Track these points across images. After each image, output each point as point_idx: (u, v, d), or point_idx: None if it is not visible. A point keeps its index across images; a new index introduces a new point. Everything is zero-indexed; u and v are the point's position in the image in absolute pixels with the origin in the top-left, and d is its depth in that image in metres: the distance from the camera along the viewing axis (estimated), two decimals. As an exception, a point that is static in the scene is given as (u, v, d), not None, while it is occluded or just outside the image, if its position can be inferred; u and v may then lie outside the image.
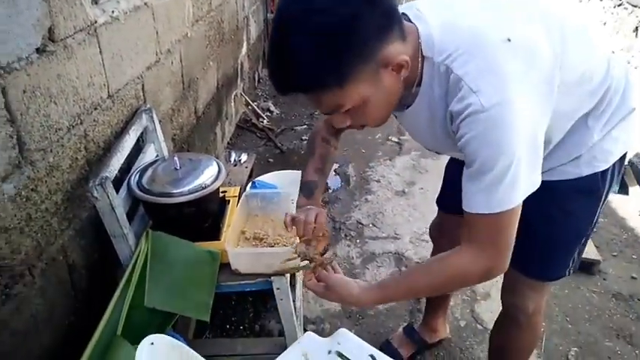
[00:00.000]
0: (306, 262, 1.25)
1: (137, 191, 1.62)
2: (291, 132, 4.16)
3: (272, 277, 1.61)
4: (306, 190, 1.33)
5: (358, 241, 2.81)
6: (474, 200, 1.02)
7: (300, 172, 2.69)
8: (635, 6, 4.31)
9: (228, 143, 3.81)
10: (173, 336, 1.27)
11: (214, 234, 1.73)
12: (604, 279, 2.50)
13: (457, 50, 0.98)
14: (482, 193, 0.99)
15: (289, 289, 1.66)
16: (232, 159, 2.92)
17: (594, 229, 1.37)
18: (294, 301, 1.80)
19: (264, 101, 4.68)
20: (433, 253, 1.95)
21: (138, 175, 1.68)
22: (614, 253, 2.70)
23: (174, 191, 1.60)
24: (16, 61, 1.22)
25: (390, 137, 3.99)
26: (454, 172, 1.64)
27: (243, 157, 2.94)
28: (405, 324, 2.16)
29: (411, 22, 1.04)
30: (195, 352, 1.13)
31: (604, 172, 1.23)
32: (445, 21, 1.03)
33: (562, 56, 1.03)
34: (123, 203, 1.58)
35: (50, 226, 1.41)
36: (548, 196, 1.06)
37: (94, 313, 1.40)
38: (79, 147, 1.53)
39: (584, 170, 1.22)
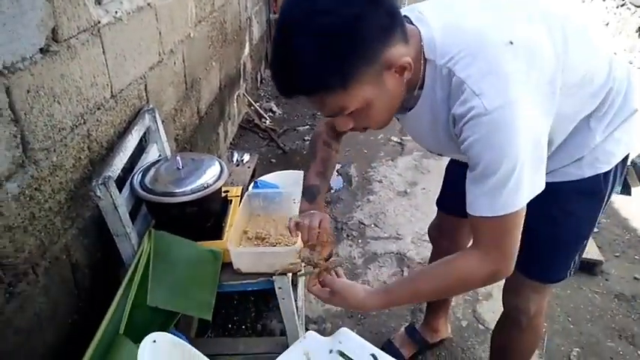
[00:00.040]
0: (310, 267, 1.24)
1: (140, 191, 1.63)
2: (293, 132, 4.16)
3: (274, 277, 1.61)
4: (309, 194, 1.32)
5: (360, 241, 2.81)
6: (478, 203, 1.01)
7: (302, 172, 2.70)
8: (638, 6, 4.31)
9: (230, 143, 3.82)
10: (175, 335, 1.28)
11: (216, 233, 1.73)
12: (606, 279, 2.50)
13: (459, 53, 0.98)
14: (486, 196, 0.99)
15: (291, 288, 1.67)
16: (235, 159, 2.93)
17: (595, 230, 1.37)
18: (295, 300, 1.80)
19: (267, 102, 4.69)
20: (433, 254, 1.96)
21: (140, 175, 1.69)
22: (617, 254, 2.70)
23: (177, 191, 1.61)
24: (20, 61, 1.23)
25: (391, 138, 3.99)
26: (454, 173, 1.65)
27: (246, 157, 2.95)
28: (407, 324, 2.16)
29: (413, 24, 1.04)
30: (197, 351, 1.13)
31: (606, 173, 1.23)
32: (447, 23, 1.03)
33: (564, 57, 1.03)
34: (126, 203, 1.59)
35: (53, 225, 1.42)
36: (550, 197, 1.05)
37: (97, 311, 1.41)
38: (82, 147, 1.54)
39: (587, 172, 1.22)
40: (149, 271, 1.48)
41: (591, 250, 2.52)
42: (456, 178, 1.33)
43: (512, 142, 0.94)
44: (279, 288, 1.64)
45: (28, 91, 1.26)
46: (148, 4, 2.02)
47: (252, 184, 2.46)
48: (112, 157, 1.57)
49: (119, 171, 1.57)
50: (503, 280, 1.48)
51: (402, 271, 2.54)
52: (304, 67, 0.91)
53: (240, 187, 2.01)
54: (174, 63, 2.41)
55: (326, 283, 1.20)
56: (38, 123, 1.31)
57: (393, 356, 1.24)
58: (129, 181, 1.69)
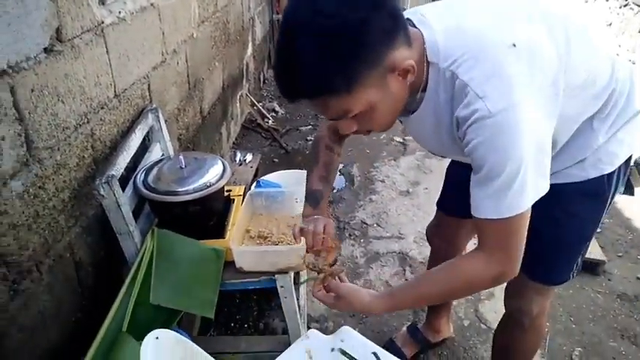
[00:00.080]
0: (314, 273, 1.24)
1: (143, 189, 1.64)
2: (296, 132, 4.17)
3: (276, 275, 1.62)
4: (312, 199, 1.32)
5: (362, 240, 2.82)
6: (483, 206, 1.02)
7: (304, 171, 2.70)
8: (641, 6, 4.30)
9: (233, 143, 3.83)
10: (178, 332, 1.29)
11: (219, 232, 1.74)
12: (609, 279, 2.50)
13: (462, 56, 0.98)
14: (490, 199, 0.99)
15: (293, 287, 1.68)
16: (237, 159, 2.93)
17: (598, 230, 1.37)
18: (297, 299, 1.81)
19: (270, 102, 4.70)
20: (431, 256, 1.96)
21: (144, 174, 1.70)
22: (620, 254, 2.69)
23: (180, 190, 1.62)
24: (24, 61, 1.24)
25: (394, 138, 4.00)
26: (456, 174, 1.65)
27: (249, 157, 2.95)
28: (409, 323, 2.16)
29: (416, 27, 1.04)
30: (199, 348, 1.14)
31: (610, 174, 1.23)
32: (449, 26, 1.03)
33: (566, 58, 1.03)
34: (129, 201, 1.60)
35: (57, 223, 1.43)
36: (553, 199, 1.05)
37: (100, 309, 1.42)
38: (85, 145, 1.55)
39: (590, 173, 1.22)
40: (152, 270, 1.49)
41: (594, 250, 2.52)
42: (457, 179, 1.33)
43: (516, 144, 0.94)
44: (281, 286, 1.64)
45: (33, 91, 1.28)
46: (152, 5, 2.03)
47: (254, 184, 2.46)
48: (115, 156, 1.58)
49: (122, 170, 1.59)
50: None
51: (404, 270, 2.55)
52: (308, 70, 0.91)
53: (243, 187, 2.02)
54: (178, 63, 2.42)
55: (331, 288, 1.20)
56: (42, 122, 1.32)
57: (394, 355, 1.25)
58: (132, 180, 1.70)
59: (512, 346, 1.63)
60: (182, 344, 1.10)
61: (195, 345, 1.14)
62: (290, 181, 2.58)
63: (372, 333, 2.17)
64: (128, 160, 1.65)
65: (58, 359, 1.43)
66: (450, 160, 1.67)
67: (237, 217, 1.75)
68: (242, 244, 1.69)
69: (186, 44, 2.54)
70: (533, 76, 0.97)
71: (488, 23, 1.03)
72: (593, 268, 2.50)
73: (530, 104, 0.95)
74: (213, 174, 1.70)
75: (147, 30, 2.01)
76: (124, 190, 1.56)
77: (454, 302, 2.19)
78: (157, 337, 0.99)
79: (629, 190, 1.35)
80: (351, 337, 1.28)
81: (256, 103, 4.34)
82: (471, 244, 2.69)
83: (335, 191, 3.27)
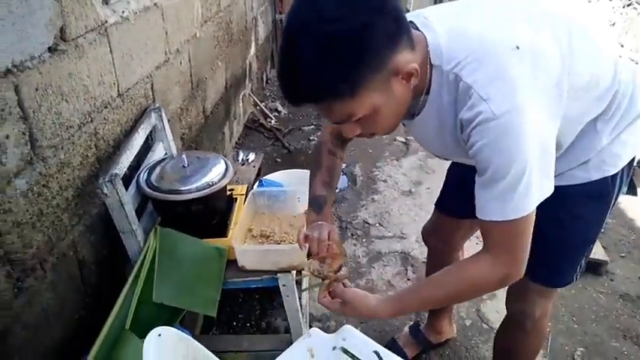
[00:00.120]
0: (320, 280, 1.23)
1: (146, 188, 1.65)
2: (298, 132, 4.18)
3: (278, 274, 1.63)
4: (316, 205, 1.31)
5: (364, 240, 2.82)
6: (489, 208, 1.02)
7: (307, 171, 2.70)
8: (645, 6, 4.29)
9: (236, 143, 3.83)
10: (180, 330, 1.29)
11: (221, 231, 1.75)
12: (611, 280, 2.50)
13: (466, 58, 0.99)
14: (496, 201, 1.00)
15: (295, 286, 1.68)
16: (240, 158, 2.94)
17: (601, 230, 1.37)
18: (300, 298, 1.81)
19: (272, 101, 4.71)
20: (429, 258, 1.94)
21: (147, 173, 1.71)
22: (622, 254, 2.69)
23: (182, 188, 1.63)
24: (28, 60, 1.25)
25: (397, 138, 4.00)
26: (456, 174, 1.65)
27: (251, 156, 2.96)
28: (411, 323, 2.16)
29: (419, 30, 1.04)
30: (201, 346, 1.14)
31: (613, 176, 1.23)
32: (452, 29, 1.03)
33: (570, 59, 1.03)
34: (132, 200, 1.60)
35: (61, 221, 1.44)
36: (557, 201, 1.05)
37: (103, 307, 1.43)
38: (89, 144, 1.56)
39: (594, 175, 1.22)
40: (155, 268, 1.50)
41: (596, 251, 2.52)
42: (457, 179, 1.33)
43: (521, 146, 0.94)
44: (284, 285, 1.65)
45: (37, 90, 1.28)
46: (155, 4, 2.04)
47: (257, 183, 2.47)
48: (118, 155, 1.59)
49: (125, 169, 1.59)
50: None
51: (406, 270, 2.55)
52: (312, 75, 0.91)
53: (245, 186, 2.03)
54: (181, 62, 2.43)
55: (337, 293, 1.20)
56: (46, 121, 1.33)
57: (396, 355, 1.25)
58: (135, 179, 1.71)
59: (514, 349, 1.62)
60: (184, 342, 1.10)
61: (197, 343, 1.14)
62: (292, 181, 2.60)
63: (373, 332, 2.17)
64: (131, 159, 1.66)
65: (62, 357, 1.43)
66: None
67: (240, 216, 1.75)
68: (244, 243, 1.70)
69: (189, 44, 2.55)
70: (537, 78, 0.98)
71: (491, 26, 1.03)
72: (595, 268, 2.49)
73: (534, 106, 0.95)
74: (215, 173, 1.71)
75: (150, 30, 2.02)
76: (127, 188, 1.56)
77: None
78: (160, 335, 1.00)
79: (632, 191, 1.34)
80: (352, 336, 1.29)
81: (259, 102, 4.35)
82: (472, 245, 2.70)
83: (337, 191, 3.27)
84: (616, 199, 1.28)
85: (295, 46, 0.91)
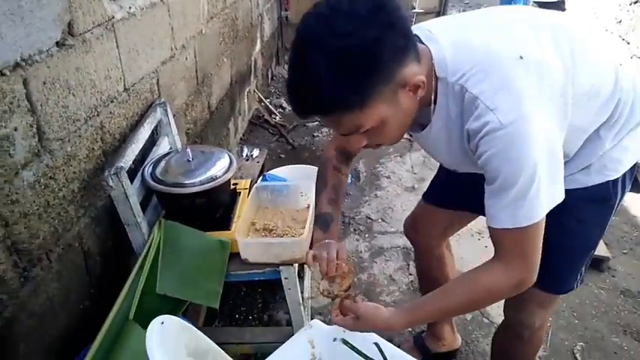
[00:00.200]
0: (330, 299, 1.22)
1: (151, 181, 1.67)
2: (302, 128, 4.19)
3: (280, 267, 1.65)
4: (322, 223, 1.31)
5: (367, 235, 2.84)
6: (500, 216, 1.03)
7: (311, 166, 2.71)
8: (651, 4, 4.28)
9: (240, 139, 3.85)
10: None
11: (225, 224, 1.77)
12: (613, 276, 2.50)
13: (471, 70, 1.00)
14: (507, 209, 1.01)
15: (297, 279, 1.70)
16: (244, 154, 2.96)
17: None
18: (302, 291, 1.83)
19: (277, 98, 4.73)
20: (416, 256, 1.91)
21: (152, 166, 1.73)
22: (625, 251, 2.70)
23: (187, 182, 1.65)
24: (37, 54, 1.27)
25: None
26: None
27: (255, 152, 2.97)
28: (416, 333, 2.12)
29: (423, 43, 1.06)
30: (203, 335, 1.16)
31: (615, 181, 1.23)
32: (456, 41, 1.05)
33: (572, 70, 1.05)
34: (137, 193, 1.63)
35: (67, 213, 1.46)
36: (559, 205, 1.06)
37: (108, 298, 1.46)
38: (95, 138, 1.59)
39: (595, 179, 1.23)
40: (159, 260, 1.52)
41: (599, 247, 2.50)
42: (449, 170, 1.34)
43: (529, 154, 0.96)
44: (286, 278, 1.67)
45: (44, 83, 1.31)
46: (161, 0, 2.06)
47: (260, 178, 2.49)
48: (124, 149, 1.61)
49: (131, 162, 1.62)
50: None
51: (408, 265, 2.56)
52: (324, 88, 0.92)
53: (249, 180, 2.05)
54: (186, 58, 2.45)
55: (349, 309, 1.19)
56: (53, 114, 1.36)
57: None
58: (140, 172, 1.73)
59: (512, 354, 1.62)
60: (187, 331, 1.13)
61: (199, 332, 1.16)
62: (296, 176, 2.62)
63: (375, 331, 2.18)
64: (137, 152, 1.68)
65: (66, 346, 1.46)
66: None
67: (243, 210, 1.77)
68: (247, 237, 1.72)
69: (195, 40, 2.57)
70: (542, 88, 0.99)
71: (495, 37, 1.05)
72: (597, 264, 2.50)
73: (540, 114, 0.97)
74: (219, 167, 1.73)
75: (156, 25, 2.04)
76: (132, 181, 1.59)
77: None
78: (163, 323, 1.02)
79: (636, 188, 1.34)
80: (353, 328, 1.30)
81: (264, 99, 4.36)
82: (473, 241, 2.70)
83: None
84: (618, 204, 1.29)
85: (306, 60, 0.92)
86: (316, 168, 1.46)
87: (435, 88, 1.06)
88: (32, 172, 1.29)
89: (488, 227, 1.07)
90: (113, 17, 1.65)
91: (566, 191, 1.17)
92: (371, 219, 2.98)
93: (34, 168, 1.30)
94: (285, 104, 4.56)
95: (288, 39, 5.42)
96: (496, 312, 2.22)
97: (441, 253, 1.79)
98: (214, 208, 1.80)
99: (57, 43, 1.36)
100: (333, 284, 1.21)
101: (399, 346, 2.02)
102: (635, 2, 4.56)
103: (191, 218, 1.69)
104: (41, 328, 1.37)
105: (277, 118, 4.29)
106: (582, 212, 1.26)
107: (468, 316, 2.24)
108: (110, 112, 1.67)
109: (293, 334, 1.47)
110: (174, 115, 2.07)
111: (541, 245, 1.05)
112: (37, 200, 1.32)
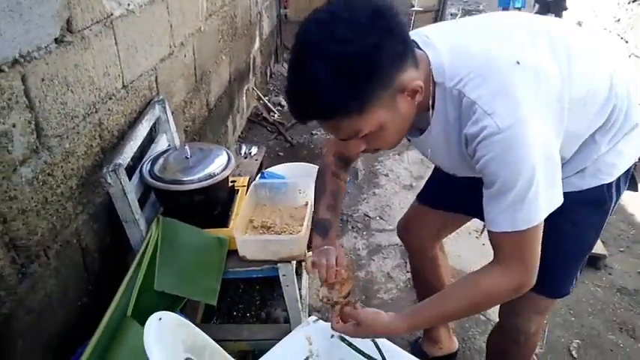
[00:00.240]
0: (330, 306, 1.23)
1: (149, 178, 1.67)
2: (301, 126, 4.19)
3: (278, 264, 1.65)
4: (321, 229, 1.31)
5: (365, 233, 2.85)
6: (499, 220, 1.04)
7: (309, 164, 2.71)
8: (650, 3, 4.28)
9: (239, 136, 3.86)
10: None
11: (223, 221, 1.78)
12: (609, 274, 2.52)
13: (468, 75, 1.01)
14: (506, 212, 1.02)
15: (295, 276, 1.71)
16: (243, 152, 2.96)
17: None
18: (300, 289, 1.84)
19: (275, 96, 4.73)
20: (410, 258, 1.90)
21: (150, 163, 1.74)
22: (622, 249, 2.71)
23: (185, 179, 1.65)
24: (35, 50, 1.27)
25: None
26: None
27: (254, 150, 2.98)
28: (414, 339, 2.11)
29: (420, 48, 1.06)
30: (201, 331, 1.16)
31: (609, 185, 1.24)
32: (454, 46, 1.05)
33: (569, 81, 1.06)
34: (135, 190, 1.63)
35: (65, 209, 1.46)
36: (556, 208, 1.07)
37: (106, 295, 1.46)
38: (93, 134, 1.59)
39: (590, 182, 1.23)
40: (157, 257, 1.53)
41: (595, 245, 2.53)
42: (445, 172, 1.34)
43: (527, 157, 0.96)
44: (283, 275, 1.68)
45: (43, 80, 1.31)
46: (159, -3, 2.06)
47: (259, 175, 2.49)
48: (122, 146, 1.61)
49: (129, 159, 1.62)
50: None
51: (405, 262, 2.57)
52: (324, 94, 0.92)
53: (247, 177, 2.05)
54: (185, 55, 2.45)
55: (349, 316, 1.19)
56: (52, 110, 1.36)
57: None
58: (138, 169, 1.74)
59: (509, 356, 1.62)
60: (185, 327, 1.13)
61: (197, 328, 1.16)
62: (294, 173, 2.62)
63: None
64: (135, 149, 1.68)
65: (64, 342, 1.46)
66: None
67: (241, 207, 1.78)
68: (245, 234, 1.72)
69: (194, 37, 2.57)
70: (539, 93, 1.00)
71: (492, 43, 1.06)
72: (594, 262, 2.51)
73: (537, 118, 0.98)
74: (218, 164, 1.73)
75: (155, 22, 2.04)
76: (130, 178, 1.59)
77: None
78: (160, 319, 1.02)
79: (633, 187, 1.35)
80: (350, 324, 1.31)
81: (262, 97, 4.37)
82: (471, 239, 2.71)
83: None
84: (613, 207, 1.29)
85: (306, 66, 0.93)
86: (314, 166, 1.47)
87: (433, 93, 1.06)
88: (30, 168, 1.29)
89: (488, 231, 1.08)
90: (112, 14, 1.65)
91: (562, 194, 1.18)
92: (369, 217, 2.99)
93: (33, 164, 1.30)
94: (283, 102, 4.57)
95: (287, 37, 5.42)
96: (492, 309, 2.22)
97: (435, 255, 1.79)
98: (212, 205, 1.80)
99: (55, 39, 1.36)
100: (333, 291, 1.21)
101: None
102: (634, 1, 4.57)
103: (189, 215, 1.69)
104: (39, 324, 1.37)
105: (276, 115, 4.29)
106: (577, 215, 1.26)
107: (465, 314, 2.25)
108: (108, 109, 1.67)
109: (291, 331, 1.47)
110: (172, 113, 2.07)
111: (540, 248, 1.06)
112: (35, 197, 1.32)
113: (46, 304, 1.40)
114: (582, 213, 1.27)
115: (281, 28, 5.42)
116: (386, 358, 1.30)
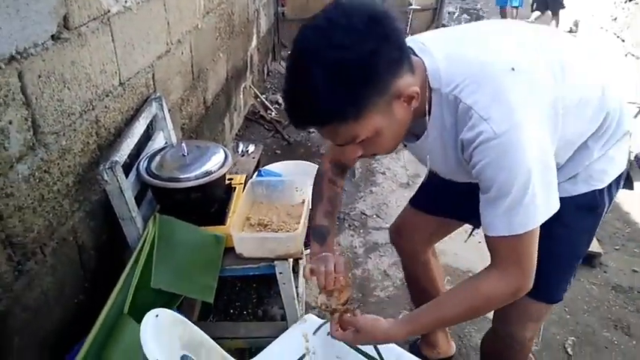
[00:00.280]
0: (329, 313, 1.22)
1: (146, 176, 1.67)
2: (298, 125, 4.19)
3: (275, 262, 1.65)
4: (319, 235, 1.31)
5: (362, 231, 2.85)
6: (495, 224, 1.04)
7: (306, 162, 2.71)
8: (646, 2, 4.30)
9: (236, 134, 3.85)
10: (178, 314, 1.32)
11: (220, 219, 1.77)
12: (604, 272, 2.53)
13: (464, 81, 1.02)
14: (503, 216, 1.02)
15: (292, 274, 1.71)
16: (240, 150, 2.96)
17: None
18: (296, 286, 1.84)
19: (273, 94, 4.73)
20: (403, 262, 1.89)
21: (147, 161, 1.73)
22: (617, 247, 2.73)
23: (182, 176, 1.65)
24: (32, 47, 1.27)
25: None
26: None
27: (251, 148, 2.97)
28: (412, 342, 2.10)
29: (417, 55, 1.07)
30: (197, 328, 1.17)
31: (601, 190, 1.25)
32: (450, 53, 1.07)
33: (562, 83, 1.07)
34: (132, 187, 1.63)
35: (62, 207, 1.46)
36: None
37: (102, 292, 1.46)
38: (90, 132, 1.59)
39: (582, 188, 1.24)
40: (153, 254, 1.52)
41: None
42: (440, 178, 1.35)
43: (522, 162, 0.97)
44: (280, 273, 1.68)
45: (40, 76, 1.31)
46: (156, -6, 2.06)
47: (256, 173, 2.49)
48: (119, 143, 1.61)
49: (126, 157, 1.62)
50: None
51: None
52: (321, 100, 0.93)
53: (244, 175, 2.05)
54: (182, 53, 2.44)
55: (348, 323, 1.19)
56: (48, 107, 1.36)
57: None
58: (135, 167, 1.73)
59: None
60: (181, 324, 1.13)
61: (194, 325, 1.17)
62: (291, 171, 2.62)
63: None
64: (132, 147, 1.68)
65: (61, 339, 1.46)
66: None
67: (238, 205, 1.78)
68: (242, 232, 1.72)
69: (191, 35, 2.57)
70: (533, 99, 1.01)
71: (487, 50, 1.07)
72: (589, 260, 2.52)
73: (532, 123, 0.99)
74: (214, 162, 1.73)
75: (152, 19, 2.03)
76: (127, 176, 1.59)
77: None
78: (157, 316, 1.02)
79: (628, 185, 1.36)
80: (346, 322, 1.31)
81: (259, 95, 4.36)
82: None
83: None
84: (605, 212, 1.30)
85: (303, 72, 0.93)
86: (311, 164, 1.47)
87: (429, 99, 1.07)
88: (27, 165, 1.29)
89: (485, 235, 1.09)
90: (109, 11, 1.65)
91: None
92: (366, 215, 2.99)
93: (29, 161, 1.30)
94: (280, 100, 4.57)
95: (285, 35, 5.42)
96: (489, 307, 2.24)
97: (427, 259, 1.79)
98: (209, 202, 1.80)
99: (52, 36, 1.36)
100: (331, 298, 1.21)
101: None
102: (630, 0, 4.59)
103: (186, 213, 1.69)
104: (35, 321, 1.37)
105: (273, 113, 4.29)
106: (568, 218, 1.26)
107: (462, 312, 2.25)
108: (105, 107, 1.67)
109: (287, 329, 1.48)
110: (169, 110, 2.07)
111: (536, 252, 1.07)
112: (31, 194, 1.32)
113: (42, 302, 1.39)
114: (574, 216, 1.27)
115: (278, 26, 5.42)
116: (382, 355, 1.31)
